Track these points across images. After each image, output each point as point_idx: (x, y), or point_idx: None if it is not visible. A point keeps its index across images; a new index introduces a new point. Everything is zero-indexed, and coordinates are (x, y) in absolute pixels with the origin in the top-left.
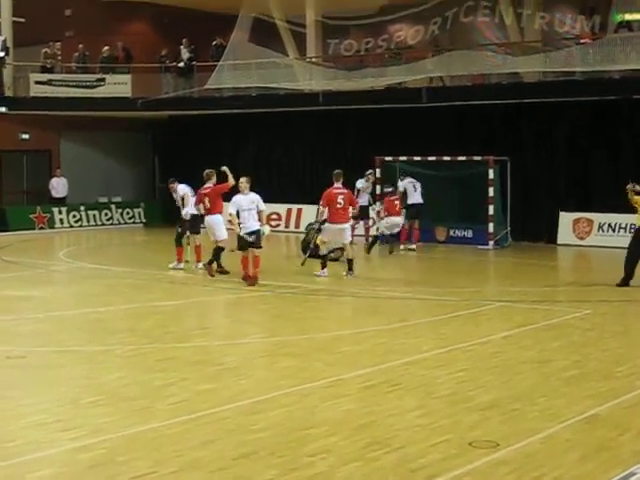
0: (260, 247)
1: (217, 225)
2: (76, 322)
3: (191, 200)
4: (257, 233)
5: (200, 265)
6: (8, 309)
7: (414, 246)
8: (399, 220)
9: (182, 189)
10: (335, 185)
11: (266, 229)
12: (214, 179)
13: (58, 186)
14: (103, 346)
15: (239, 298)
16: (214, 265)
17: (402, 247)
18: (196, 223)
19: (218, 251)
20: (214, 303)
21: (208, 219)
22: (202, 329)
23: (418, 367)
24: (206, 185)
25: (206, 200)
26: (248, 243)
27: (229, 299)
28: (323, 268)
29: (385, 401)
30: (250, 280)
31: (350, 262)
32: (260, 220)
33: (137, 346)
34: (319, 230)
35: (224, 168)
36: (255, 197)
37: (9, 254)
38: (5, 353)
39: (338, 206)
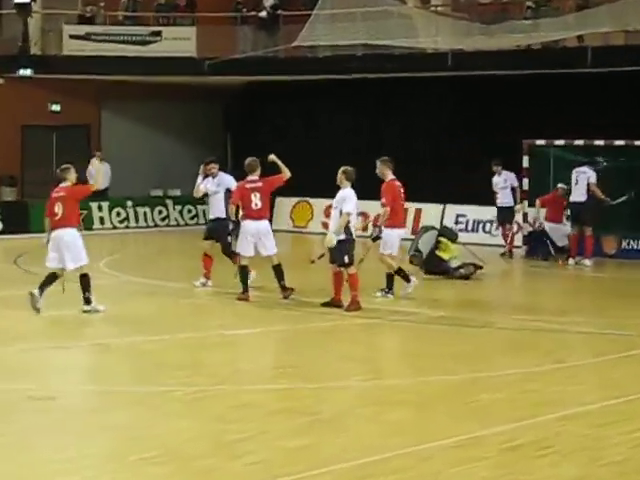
0: (345, 264)
1: (270, 234)
2: (121, 354)
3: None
4: (340, 245)
5: (201, 282)
6: (31, 335)
7: (588, 262)
8: (565, 228)
9: (229, 180)
10: (390, 177)
11: (330, 238)
12: (259, 171)
13: (97, 174)
14: (157, 386)
15: (335, 326)
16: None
17: (571, 262)
18: (221, 228)
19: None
20: (302, 332)
21: (258, 226)
22: (287, 367)
23: (579, 424)
24: (250, 177)
25: (257, 198)
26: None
27: (322, 327)
28: (407, 280)
29: (535, 468)
30: (352, 306)
31: (392, 278)
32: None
33: (202, 387)
34: (377, 238)
35: (272, 157)
36: (343, 194)
37: (32, 262)
38: (27, 392)
39: (402, 202)
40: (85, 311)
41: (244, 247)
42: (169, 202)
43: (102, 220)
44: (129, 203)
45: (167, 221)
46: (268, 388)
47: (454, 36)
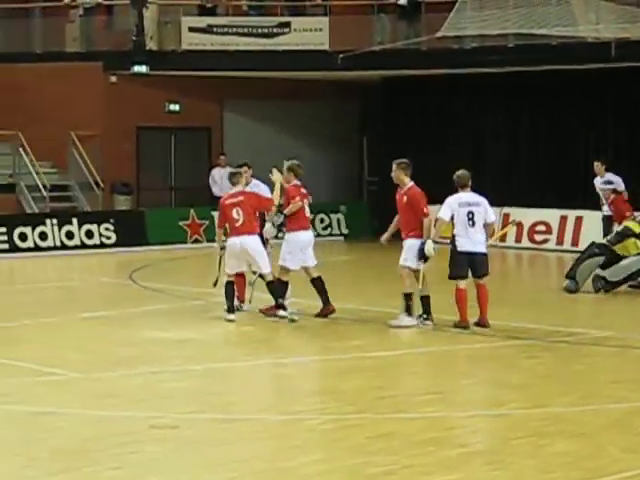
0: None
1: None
2: (249, 378)
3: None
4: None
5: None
6: (151, 358)
7: None
8: None
9: (265, 189)
10: (410, 184)
11: (429, 245)
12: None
13: (221, 180)
14: (288, 414)
15: (485, 348)
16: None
17: None
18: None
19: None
20: (449, 355)
21: (305, 236)
22: (433, 393)
23: None
24: (294, 182)
25: (306, 205)
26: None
27: (472, 350)
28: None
29: None
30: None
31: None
32: None
33: (338, 415)
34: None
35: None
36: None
37: (150, 278)
38: (149, 420)
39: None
40: (285, 317)
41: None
42: None
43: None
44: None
45: None
46: (412, 417)
47: (618, 23)
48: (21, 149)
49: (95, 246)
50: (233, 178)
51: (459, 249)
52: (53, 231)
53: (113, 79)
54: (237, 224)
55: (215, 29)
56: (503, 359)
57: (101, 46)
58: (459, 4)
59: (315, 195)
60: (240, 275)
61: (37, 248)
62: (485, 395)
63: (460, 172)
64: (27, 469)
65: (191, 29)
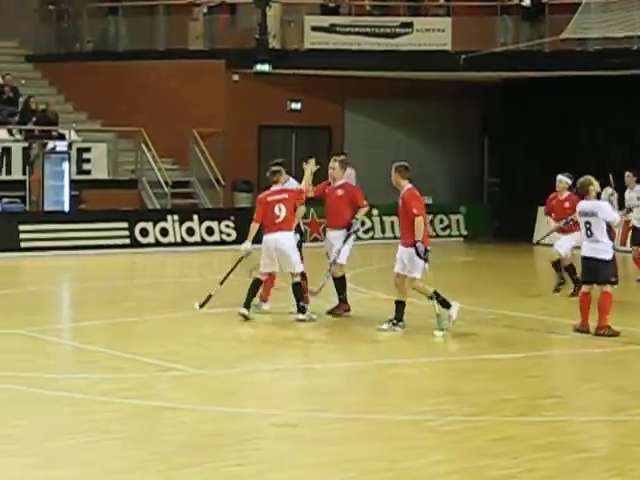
0: (610, 282)
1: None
2: (369, 378)
3: None
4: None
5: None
6: (270, 355)
7: None
8: None
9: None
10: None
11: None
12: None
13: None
14: (409, 414)
15: (605, 354)
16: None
17: None
18: None
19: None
20: (574, 359)
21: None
22: (554, 397)
23: None
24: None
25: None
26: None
27: (592, 355)
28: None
29: None
30: (601, 330)
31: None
32: None
33: (460, 417)
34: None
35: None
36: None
37: None
38: (269, 418)
39: None
40: (300, 320)
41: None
42: None
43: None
44: (374, 212)
45: None
46: (533, 420)
47: None
48: (144, 145)
49: (215, 243)
50: (273, 176)
51: (581, 254)
52: (174, 227)
53: (235, 77)
54: (277, 220)
55: (338, 28)
56: (622, 364)
57: (224, 44)
58: (583, 6)
59: (435, 196)
60: (271, 275)
61: (158, 244)
62: (605, 400)
63: (580, 180)
64: (151, 463)
65: (314, 28)
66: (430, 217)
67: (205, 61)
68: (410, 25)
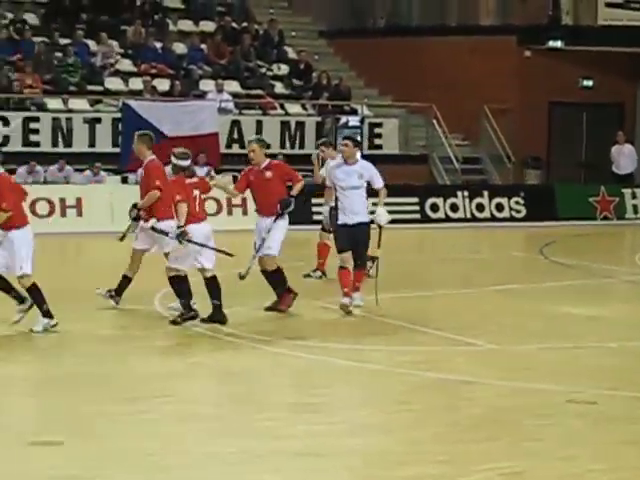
0: None
1: None
2: None
3: None
4: None
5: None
6: (564, 332)
7: None
8: None
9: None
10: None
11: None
12: None
13: (619, 157)
14: None
15: None
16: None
17: None
18: None
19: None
20: None
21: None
22: None
23: None
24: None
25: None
26: None
27: None
28: None
29: None
30: None
31: None
32: None
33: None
34: None
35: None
36: None
37: (559, 253)
38: (566, 395)
39: None
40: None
41: None
42: None
43: (636, 209)
44: None
45: None
46: None
47: None
48: (434, 121)
49: (505, 219)
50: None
51: None
52: (464, 203)
53: (527, 53)
54: None
55: (632, 4)
56: None
57: (516, 20)
58: None
59: None
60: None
61: (448, 219)
62: None
63: None
64: (447, 434)
65: (608, 4)
66: None
67: (496, 37)
68: None
